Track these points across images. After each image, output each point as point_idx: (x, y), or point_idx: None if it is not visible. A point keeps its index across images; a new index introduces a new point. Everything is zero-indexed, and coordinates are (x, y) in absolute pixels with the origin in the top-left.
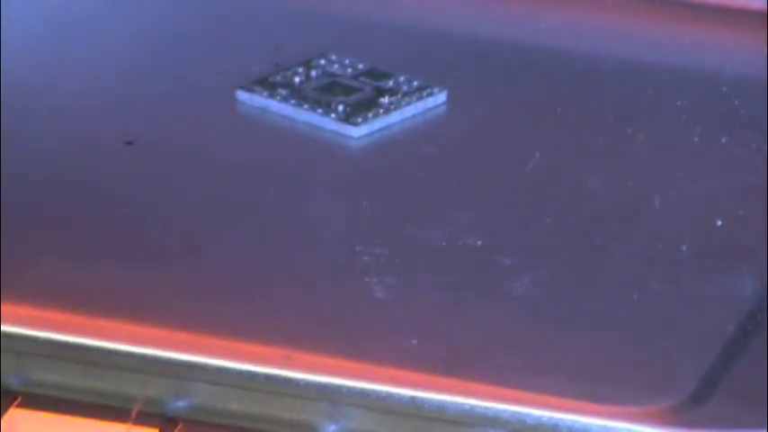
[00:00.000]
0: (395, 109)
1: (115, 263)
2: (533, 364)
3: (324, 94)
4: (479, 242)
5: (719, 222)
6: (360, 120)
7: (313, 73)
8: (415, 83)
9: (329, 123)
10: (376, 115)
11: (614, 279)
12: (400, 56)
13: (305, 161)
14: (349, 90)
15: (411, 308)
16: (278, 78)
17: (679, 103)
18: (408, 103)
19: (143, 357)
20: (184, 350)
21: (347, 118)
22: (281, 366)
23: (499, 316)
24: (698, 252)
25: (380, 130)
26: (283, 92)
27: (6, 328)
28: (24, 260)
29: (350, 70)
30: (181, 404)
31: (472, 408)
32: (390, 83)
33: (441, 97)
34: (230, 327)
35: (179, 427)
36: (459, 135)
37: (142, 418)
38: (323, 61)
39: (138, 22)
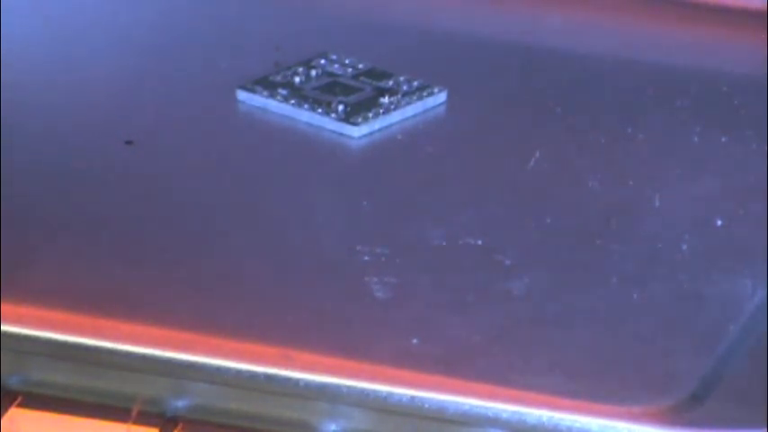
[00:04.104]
0: (395, 109)
1: (115, 263)
2: (533, 364)
3: (324, 93)
4: (479, 242)
5: (719, 222)
6: (360, 120)
7: (313, 73)
8: (415, 83)
9: (329, 123)
10: (376, 115)
11: (614, 279)
12: (400, 56)
13: (305, 161)
14: (349, 90)
15: (411, 308)
16: (278, 78)
17: (679, 103)
18: (408, 103)
19: (143, 357)
20: (184, 350)
21: (347, 118)
22: (281, 366)
23: (499, 316)
24: (698, 252)
25: (380, 130)
26: (283, 92)
27: (6, 328)
28: (24, 260)
29: (350, 70)
30: (181, 404)
31: (472, 408)
32: (390, 83)
33: (441, 97)
34: (230, 327)
35: (179, 426)
36: (460, 135)
37: (142, 418)
38: (323, 61)
39: (138, 21)
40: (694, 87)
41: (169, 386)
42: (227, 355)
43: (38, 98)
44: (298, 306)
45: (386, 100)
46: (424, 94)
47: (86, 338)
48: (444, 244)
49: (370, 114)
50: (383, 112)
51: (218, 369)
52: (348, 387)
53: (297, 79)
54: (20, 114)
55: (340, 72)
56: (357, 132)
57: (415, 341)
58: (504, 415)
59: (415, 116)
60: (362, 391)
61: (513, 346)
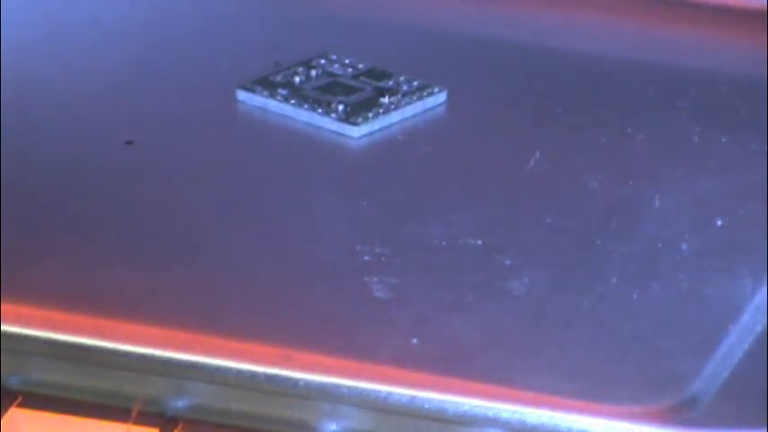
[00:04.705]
0: (395, 109)
1: (115, 263)
2: (533, 364)
3: (324, 93)
4: (479, 242)
5: (719, 222)
6: (360, 120)
7: (313, 73)
8: (415, 83)
9: (329, 123)
10: (376, 115)
11: (614, 279)
12: (400, 56)
13: (305, 161)
14: (349, 90)
15: (411, 308)
16: (278, 78)
17: (679, 103)
18: (408, 103)
19: (143, 357)
20: (184, 350)
21: (347, 118)
22: (281, 366)
23: (499, 315)
24: (698, 252)
25: (380, 130)
26: (283, 92)
27: (6, 328)
28: (24, 260)
29: (350, 70)
30: (181, 404)
31: (472, 408)
32: (390, 83)
33: (441, 97)
34: (230, 327)
35: (179, 426)
36: (459, 135)
37: (142, 418)
38: (323, 61)
39: (137, 21)
40: (694, 87)
41: (169, 386)
42: (227, 355)
43: (38, 98)
44: (298, 306)
45: (386, 100)
46: (424, 94)
47: (86, 338)
48: (444, 244)
49: (370, 114)
50: (383, 112)
51: (218, 369)
52: (348, 387)
53: (297, 79)
54: (20, 115)
55: (340, 72)
56: (357, 132)
57: (415, 341)
58: (504, 415)
59: (414, 116)
60: (362, 391)
61: (513, 346)
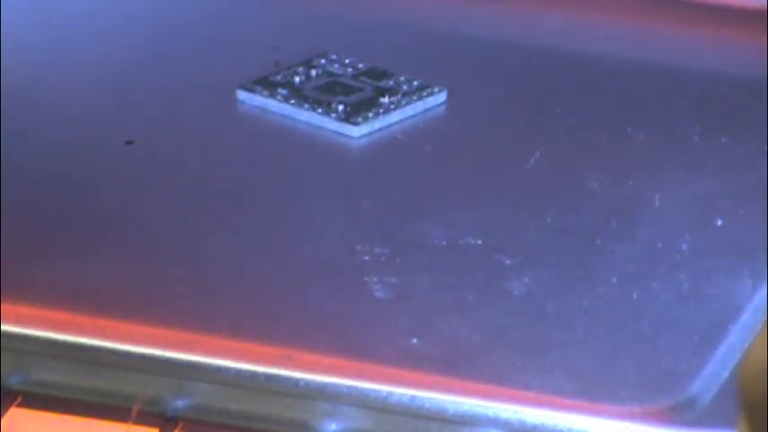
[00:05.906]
0: (395, 109)
1: (115, 263)
2: (533, 364)
3: (324, 93)
4: (479, 241)
5: (719, 222)
6: (360, 120)
7: (313, 72)
8: (415, 83)
9: (329, 123)
10: (376, 115)
11: (614, 279)
12: (400, 56)
13: (305, 161)
14: (349, 90)
15: (411, 308)
16: (278, 78)
17: (679, 103)
18: (408, 103)
19: (143, 357)
20: (184, 350)
21: (347, 118)
22: (282, 366)
23: (499, 315)
24: (698, 252)
25: (380, 129)
26: (283, 91)
27: (6, 327)
28: (24, 260)
29: (350, 70)
30: (181, 404)
31: (472, 408)
32: (390, 83)
33: (441, 97)
34: (230, 326)
35: (179, 426)
36: (459, 135)
37: (142, 418)
38: (323, 61)
39: (137, 21)
40: (694, 87)
41: (169, 386)
42: (227, 355)
43: (38, 98)
44: (298, 306)
45: (386, 100)
46: (424, 94)
47: (86, 338)
48: (444, 244)
49: (370, 114)
50: (383, 112)
51: (219, 369)
52: (348, 387)
53: (297, 79)
54: (20, 115)
55: (340, 72)
56: (357, 132)
57: (415, 341)
58: (504, 415)
59: (414, 116)
60: (362, 391)
61: (513, 346)
